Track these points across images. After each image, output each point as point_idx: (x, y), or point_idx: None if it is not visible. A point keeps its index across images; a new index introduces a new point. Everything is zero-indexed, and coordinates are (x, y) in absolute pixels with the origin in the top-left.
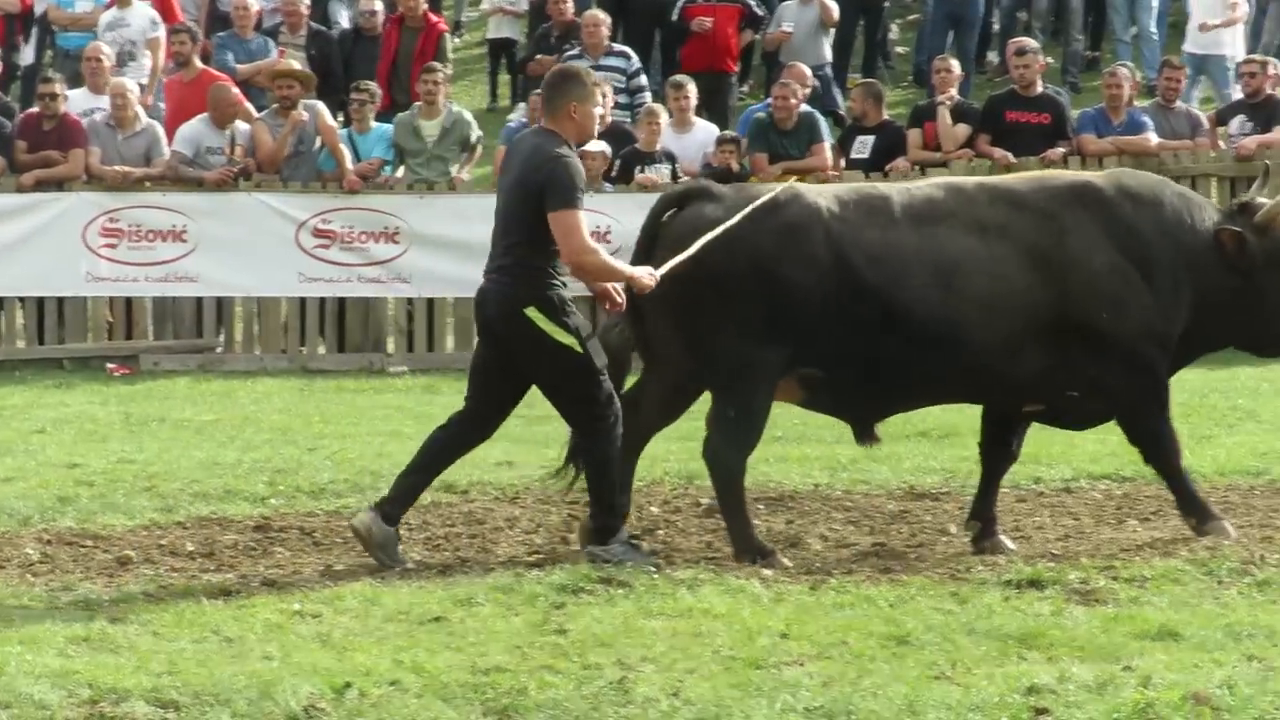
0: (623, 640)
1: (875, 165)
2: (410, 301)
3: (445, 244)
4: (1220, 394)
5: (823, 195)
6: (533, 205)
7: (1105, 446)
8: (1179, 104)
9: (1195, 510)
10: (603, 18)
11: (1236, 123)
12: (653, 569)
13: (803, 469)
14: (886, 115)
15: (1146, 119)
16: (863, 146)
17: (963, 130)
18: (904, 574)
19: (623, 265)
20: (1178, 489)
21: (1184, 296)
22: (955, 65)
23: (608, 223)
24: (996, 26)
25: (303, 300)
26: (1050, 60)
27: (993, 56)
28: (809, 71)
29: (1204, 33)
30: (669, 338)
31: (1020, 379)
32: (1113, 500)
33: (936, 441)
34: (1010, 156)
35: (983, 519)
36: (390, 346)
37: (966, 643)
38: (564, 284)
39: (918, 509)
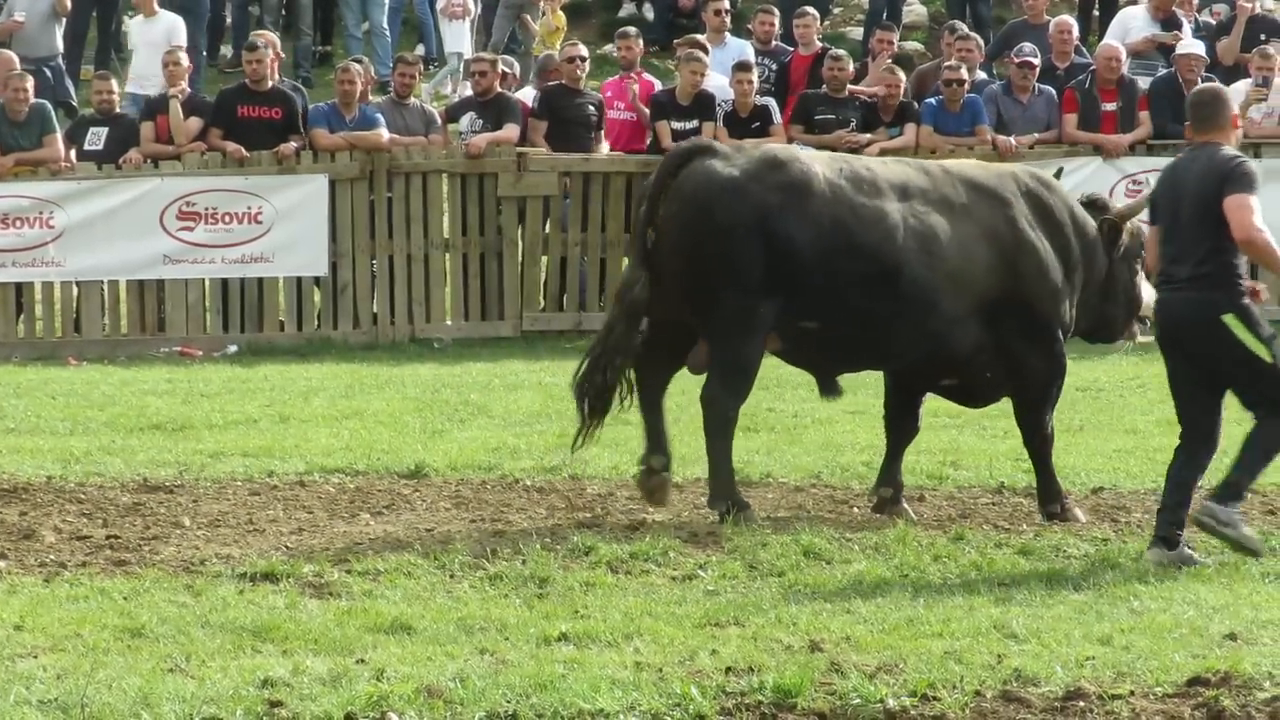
0: None
1: (108, 157)
2: None
3: None
4: (452, 389)
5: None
6: (1219, 208)
7: (339, 440)
8: (413, 100)
9: (1055, 498)
10: None
11: (467, 120)
12: (1256, 552)
13: (35, 460)
14: (121, 109)
15: (379, 114)
16: (96, 138)
17: (195, 123)
18: (138, 567)
19: None
20: (1046, 475)
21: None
22: (184, 58)
23: None
24: (230, 20)
25: None
26: (282, 54)
27: (226, 50)
28: (17, 60)
29: None
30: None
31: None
32: (346, 494)
33: (170, 434)
34: (244, 150)
35: (894, 485)
36: None
37: (201, 635)
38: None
39: (152, 501)
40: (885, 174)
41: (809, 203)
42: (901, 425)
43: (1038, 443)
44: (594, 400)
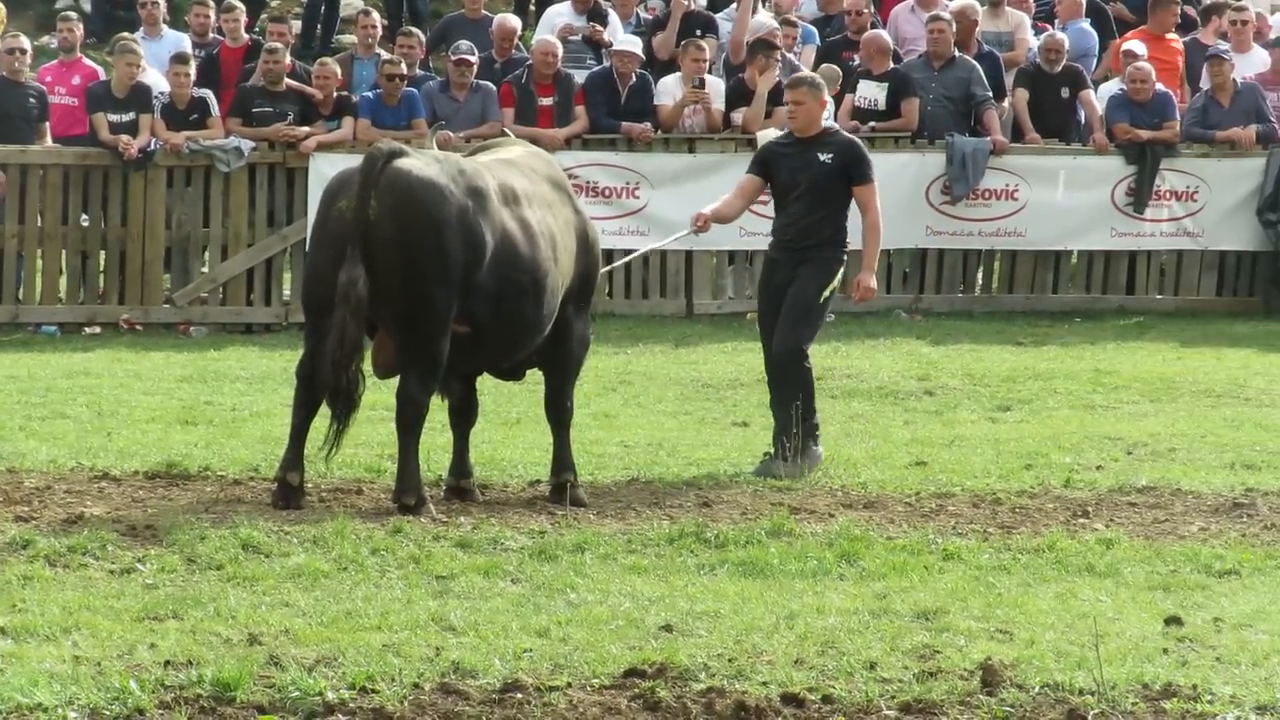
0: None
1: None
2: None
3: None
4: None
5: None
6: None
7: None
8: None
9: (570, 469)
10: None
11: None
12: None
13: None
14: None
15: None
16: None
17: None
18: None
19: None
20: (563, 444)
21: None
22: None
23: None
24: None
25: None
26: None
27: None
28: None
29: None
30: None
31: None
32: None
33: None
34: None
35: (468, 473)
36: None
37: None
38: None
39: None
40: (511, 180)
41: (490, 206)
42: (468, 412)
43: (565, 412)
44: (344, 404)
